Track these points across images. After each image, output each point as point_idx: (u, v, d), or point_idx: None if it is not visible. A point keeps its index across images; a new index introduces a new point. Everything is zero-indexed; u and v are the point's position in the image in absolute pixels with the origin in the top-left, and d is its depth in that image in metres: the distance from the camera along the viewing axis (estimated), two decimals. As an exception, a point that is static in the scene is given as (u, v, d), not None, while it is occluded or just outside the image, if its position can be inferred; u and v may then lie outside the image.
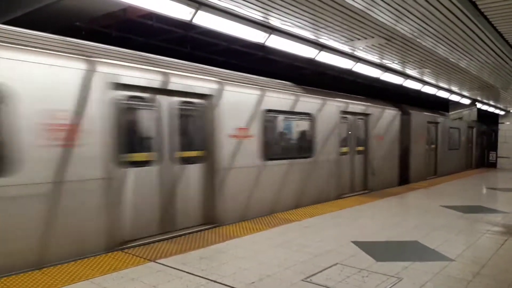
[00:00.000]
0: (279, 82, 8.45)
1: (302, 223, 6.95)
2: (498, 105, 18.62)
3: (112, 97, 5.13)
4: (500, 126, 20.80)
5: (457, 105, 17.27)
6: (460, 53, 7.89)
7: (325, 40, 7.03)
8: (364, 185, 10.88)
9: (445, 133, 16.01)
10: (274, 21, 5.98)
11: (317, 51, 7.42)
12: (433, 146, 15.04)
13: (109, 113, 5.06)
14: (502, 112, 20.40)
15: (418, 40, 6.87)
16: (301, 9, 5.36)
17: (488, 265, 4.80)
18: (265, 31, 6.27)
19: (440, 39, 6.77)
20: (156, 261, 4.79)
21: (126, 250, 5.16)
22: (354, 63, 8.56)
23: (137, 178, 5.58)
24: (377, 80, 11.02)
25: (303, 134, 8.98)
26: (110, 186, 5.06)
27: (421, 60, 8.63)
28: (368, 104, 10.94)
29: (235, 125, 6.89)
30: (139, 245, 5.37)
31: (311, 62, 9.05)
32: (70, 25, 6.89)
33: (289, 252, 5.25)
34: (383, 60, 8.79)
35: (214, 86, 6.55)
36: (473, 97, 15.57)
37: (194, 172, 6.38)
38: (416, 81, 11.36)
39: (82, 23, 7.46)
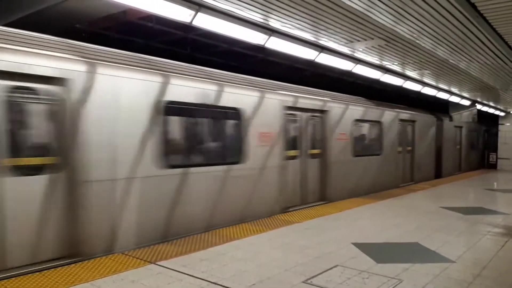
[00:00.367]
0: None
1: (302, 224, 6.95)
2: (498, 106, 18.63)
3: (281, 114, 7.88)
4: (500, 127, 20.80)
5: (457, 106, 17.29)
6: (460, 55, 7.90)
7: (325, 41, 7.04)
8: (411, 178, 13.53)
9: (468, 135, 18.73)
10: (274, 23, 5.99)
11: (317, 52, 7.43)
12: (458, 147, 17.71)
13: (282, 124, 7.89)
14: (502, 113, 20.41)
15: (417, 41, 6.88)
16: (301, 11, 5.37)
17: (489, 266, 4.79)
18: (265, 33, 6.28)
19: (440, 40, 6.78)
20: (156, 263, 4.78)
21: (126, 252, 5.16)
22: (354, 64, 8.57)
23: (291, 166, 8.33)
24: (377, 81, 11.03)
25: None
26: (281, 170, 7.88)
27: (421, 61, 8.64)
28: (415, 113, 13.63)
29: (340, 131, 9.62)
30: (294, 210, 8.09)
31: (311, 63, 9.07)
32: (71, 28, 6.91)
33: (289, 253, 5.25)
34: (383, 62, 8.81)
35: (326, 104, 9.27)
36: (473, 98, 15.59)
37: (315, 163, 9.09)
38: (416, 83, 11.37)
39: (82, 25, 7.47)
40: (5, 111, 4.31)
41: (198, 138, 6.75)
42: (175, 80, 5.88)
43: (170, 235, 5.74)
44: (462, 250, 5.45)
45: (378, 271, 4.57)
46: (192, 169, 6.14)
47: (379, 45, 7.19)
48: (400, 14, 5.43)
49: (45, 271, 4.35)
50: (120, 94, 5.18)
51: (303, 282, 4.24)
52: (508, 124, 20.59)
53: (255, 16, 5.67)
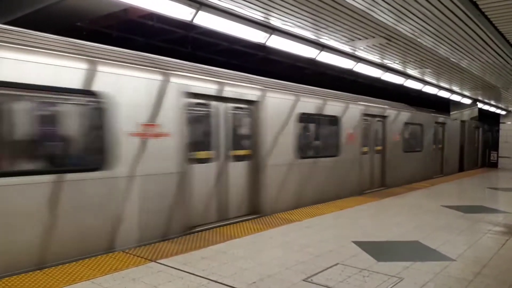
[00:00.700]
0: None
1: (302, 223, 6.95)
2: (500, 105, 18.60)
3: (360, 119, 10.25)
4: (501, 126, 20.76)
5: (458, 105, 17.27)
6: (461, 53, 7.89)
7: (326, 40, 7.03)
8: (441, 171, 15.73)
9: (484, 135, 21.14)
10: (275, 21, 5.99)
11: (318, 51, 7.42)
12: (476, 145, 19.98)
13: (361, 125, 10.26)
14: (503, 112, 20.37)
15: (419, 40, 6.87)
16: (301, 9, 5.36)
17: (489, 265, 4.79)
18: (266, 31, 6.27)
19: (441, 39, 6.77)
20: (157, 261, 4.79)
21: (127, 250, 5.17)
22: (355, 63, 8.56)
23: (374, 159, 11.32)
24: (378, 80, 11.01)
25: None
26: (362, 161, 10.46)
27: (422, 60, 8.63)
28: (446, 116, 15.83)
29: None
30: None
31: (312, 62, 9.06)
32: (71, 26, 6.91)
33: (289, 252, 5.25)
34: (384, 60, 8.79)
35: (386, 110, 11.54)
36: (474, 97, 15.57)
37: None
38: (417, 81, 11.35)
39: (83, 23, 7.47)
40: (232, 121, 6.94)
41: (317, 138, 9.29)
42: (303, 98, 8.38)
43: (301, 204, 8.28)
44: (463, 249, 5.45)
45: (378, 269, 4.58)
46: (315, 160, 8.77)
47: (380, 44, 7.18)
48: (402, 12, 5.42)
49: (234, 223, 6.70)
50: (279, 109, 7.77)
51: (304, 280, 4.24)
52: (509, 122, 20.56)
53: (256, 14, 5.66)
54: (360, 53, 8.09)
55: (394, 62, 8.97)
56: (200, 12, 5.23)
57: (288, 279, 4.28)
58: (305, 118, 8.55)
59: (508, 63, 8.74)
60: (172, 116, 5.75)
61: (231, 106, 6.97)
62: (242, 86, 7.12)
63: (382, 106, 11.59)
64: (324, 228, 6.63)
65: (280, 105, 7.86)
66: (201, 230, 6.17)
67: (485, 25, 5.98)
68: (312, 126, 9.30)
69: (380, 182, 11.68)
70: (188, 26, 7.91)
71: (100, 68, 4.93)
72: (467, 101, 16.15)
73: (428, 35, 6.57)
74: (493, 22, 5.99)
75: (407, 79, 10.81)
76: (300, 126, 8.40)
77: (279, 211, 7.70)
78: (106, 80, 4.99)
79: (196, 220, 6.31)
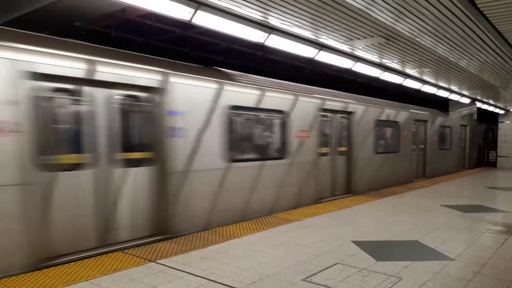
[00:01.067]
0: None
1: (302, 223, 6.95)
2: (498, 104, 18.62)
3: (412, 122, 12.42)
4: (500, 125, 20.78)
5: (457, 104, 17.29)
6: (460, 52, 7.89)
7: (324, 39, 7.03)
8: (463, 165, 18.34)
9: (497, 134, 21.72)
10: (274, 21, 5.98)
11: (316, 50, 7.42)
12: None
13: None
14: (501, 111, 20.40)
15: (417, 39, 6.87)
16: (300, 9, 5.35)
17: (488, 264, 4.80)
18: (264, 31, 6.26)
19: (440, 38, 6.77)
20: (156, 261, 4.78)
21: (126, 251, 5.16)
22: (353, 62, 8.56)
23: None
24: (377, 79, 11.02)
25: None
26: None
27: (421, 59, 8.62)
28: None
29: None
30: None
31: (310, 61, 9.05)
32: (70, 26, 6.89)
33: (289, 252, 5.25)
34: (383, 60, 8.79)
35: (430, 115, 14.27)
36: (473, 96, 15.58)
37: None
38: (416, 81, 11.35)
39: (82, 23, 7.45)
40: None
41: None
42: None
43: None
44: (462, 248, 5.46)
45: (378, 269, 4.58)
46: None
47: (379, 43, 7.17)
48: (400, 12, 5.42)
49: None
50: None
51: (303, 280, 4.24)
52: (508, 122, 20.59)
53: (255, 14, 5.65)
54: (359, 53, 8.08)
55: (393, 62, 8.97)
56: (198, 11, 5.22)
57: (287, 278, 4.27)
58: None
59: (507, 62, 8.74)
60: (313, 125, 8.78)
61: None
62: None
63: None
64: (323, 227, 6.63)
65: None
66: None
67: (484, 24, 5.98)
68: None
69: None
70: (186, 26, 7.89)
71: (284, 96, 8.12)
72: (466, 100, 16.15)
73: (427, 35, 6.57)
74: (492, 22, 5.99)
75: (406, 78, 10.81)
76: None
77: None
78: (286, 104, 8.12)
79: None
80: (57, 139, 4.87)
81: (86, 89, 5.05)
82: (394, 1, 5.02)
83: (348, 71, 10.14)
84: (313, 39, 7.00)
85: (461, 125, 18.04)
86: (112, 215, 5.35)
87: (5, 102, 4.24)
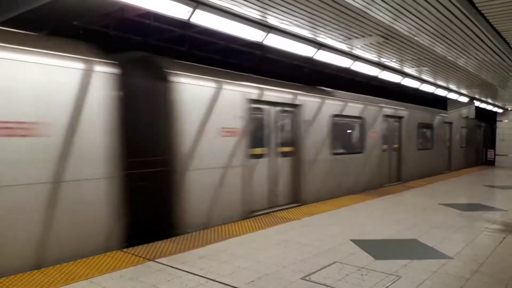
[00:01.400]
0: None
1: (301, 221, 6.96)
2: (496, 103, 18.65)
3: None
4: (498, 124, 20.83)
5: (455, 103, 17.32)
6: (458, 51, 7.90)
7: (323, 38, 7.03)
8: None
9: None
10: (272, 20, 5.98)
11: (315, 49, 7.42)
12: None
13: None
14: (500, 110, 20.44)
15: (415, 38, 6.88)
16: (299, 8, 5.36)
17: (487, 262, 4.81)
18: (263, 30, 6.26)
19: (438, 37, 6.78)
20: (156, 260, 4.79)
21: (125, 250, 5.16)
22: (352, 61, 8.56)
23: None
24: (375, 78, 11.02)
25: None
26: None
27: (419, 58, 8.63)
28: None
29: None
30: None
31: (309, 60, 9.05)
32: (68, 25, 6.87)
33: (288, 250, 5.26)
34: (381, 59, 8.80)
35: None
36: (471, 95, 15.60)
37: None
38: (414, 79, 11.37)
39: (80, 22, 7.43)
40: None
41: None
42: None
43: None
44: (460, 247, 5.48)
45: (376, 268, 4.59)
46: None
47: (377, 42, 7.18)
48: (399, 11, 5.42)
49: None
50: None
51: (302, 278, 4.25)
52: (506, 120, 20.63)
53: (253, 13, 5.65)
54: (357, 52, 8.09)
55: (391, 61, 8.98)
56: (197, 10, 5.22)
57: (286, 277, 4.28)
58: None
59: (505, 61, 8.76)
60: (381, 127, 11.66)
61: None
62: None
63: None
64: (322, 226, 6.64)
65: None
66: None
67: (482, 23, 5.99)
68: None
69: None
70: (185, 25, 7.88)
71: (364, 107, 10.89)
72: (464, 99, 16.18)
73: (425, 34, 6.58)
74: (490, 20, 6.00)
75: (404, 77, 10.82)
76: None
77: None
78: (364, 111, 10.88)
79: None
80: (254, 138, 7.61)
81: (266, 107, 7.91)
82: (393, 0, 5.03)
83: (347, 70, 10.14)
84: (312, 38, 7.00)
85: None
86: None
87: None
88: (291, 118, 8.69)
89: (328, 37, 6.89)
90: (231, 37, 7.53)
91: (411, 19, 5.77)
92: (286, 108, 8.52)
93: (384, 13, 5.55)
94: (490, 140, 22.81)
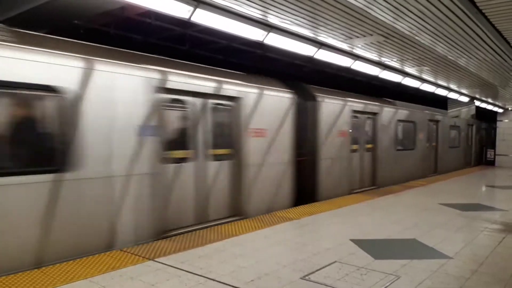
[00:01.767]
0: None
1: (300, 221, 6.96)
2: (497, 103, 18.64)
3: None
4: (498, 123, 20.81)
5: (456, 102, 17.31)
6: (459, 51, 7.89)
7: (323, 38, 7.02)
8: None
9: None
10: (273, 19, 5.97)
11: (315, 49, 7.41)
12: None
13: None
14: (500, 110, 20.42)
15: (416, 38, 6.87)
16: (299, 7, 5.35)
17: (486, 262, 4.81)
18: (263, 29, 6.26)
19: (439, 37, 6.77)
20: (155, 259, 4.79)
21: (124, 249, 5.17)
22: (352, 61, 8.56)
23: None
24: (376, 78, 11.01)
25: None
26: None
27: (420, 58, 8.63)
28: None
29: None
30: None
31: (310, 60, 9.05)
32: (68, 24, 6.87)
33: (287, 250, 5.26)
34: (382, 58, 8.79)
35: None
36: (472, 94, 15.59)
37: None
38: (415, 79, 11.36)
39: (81, 21, 7.43)
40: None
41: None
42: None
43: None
44: (460, 246, 5.48)
45: (376, 267, 4.59)
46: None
47: (378, 42, 7.17)
48: (400, 10, 5.42)
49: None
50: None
51: (301, 278, 4.25)
52: (506, 120, 20.61)
53: (254, 12, 5.65)
54: (358, 51, 8.09)
55: (392, 60, 8.97)
56: (198, 9, 5.22)
57: (285, 277, 4.28)
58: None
59: (506, 60, 8.75)
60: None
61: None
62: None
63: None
64: (321, 226, 6.64)
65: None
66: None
67: (483, 23, 5.99)
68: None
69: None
70: (186, 24, 7.88)
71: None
72: (465, 99, 16.18)
73: (426, 33, 6.57)
74: (491, 20, 6.00)
75: (405, 77, 10.82)
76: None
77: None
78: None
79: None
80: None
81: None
82: (393, 0, 5.02)
83: (347, 69, 10.13)
84: (312, 37, 6.99)
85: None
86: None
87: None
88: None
89: (329, 36, 6.88)
90: (232, 36, 7.52)
91: (412, 18, 5.77)
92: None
93: (385, 13, 5.55)
94: (486, 140, 22.57)
